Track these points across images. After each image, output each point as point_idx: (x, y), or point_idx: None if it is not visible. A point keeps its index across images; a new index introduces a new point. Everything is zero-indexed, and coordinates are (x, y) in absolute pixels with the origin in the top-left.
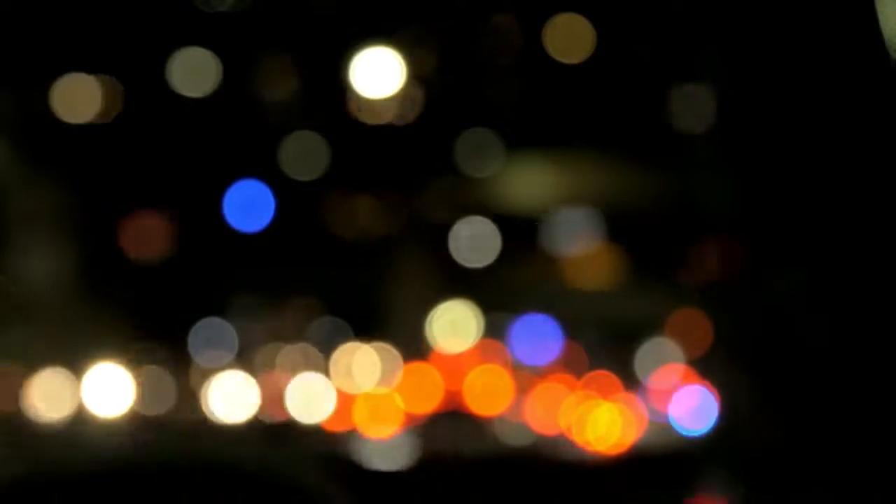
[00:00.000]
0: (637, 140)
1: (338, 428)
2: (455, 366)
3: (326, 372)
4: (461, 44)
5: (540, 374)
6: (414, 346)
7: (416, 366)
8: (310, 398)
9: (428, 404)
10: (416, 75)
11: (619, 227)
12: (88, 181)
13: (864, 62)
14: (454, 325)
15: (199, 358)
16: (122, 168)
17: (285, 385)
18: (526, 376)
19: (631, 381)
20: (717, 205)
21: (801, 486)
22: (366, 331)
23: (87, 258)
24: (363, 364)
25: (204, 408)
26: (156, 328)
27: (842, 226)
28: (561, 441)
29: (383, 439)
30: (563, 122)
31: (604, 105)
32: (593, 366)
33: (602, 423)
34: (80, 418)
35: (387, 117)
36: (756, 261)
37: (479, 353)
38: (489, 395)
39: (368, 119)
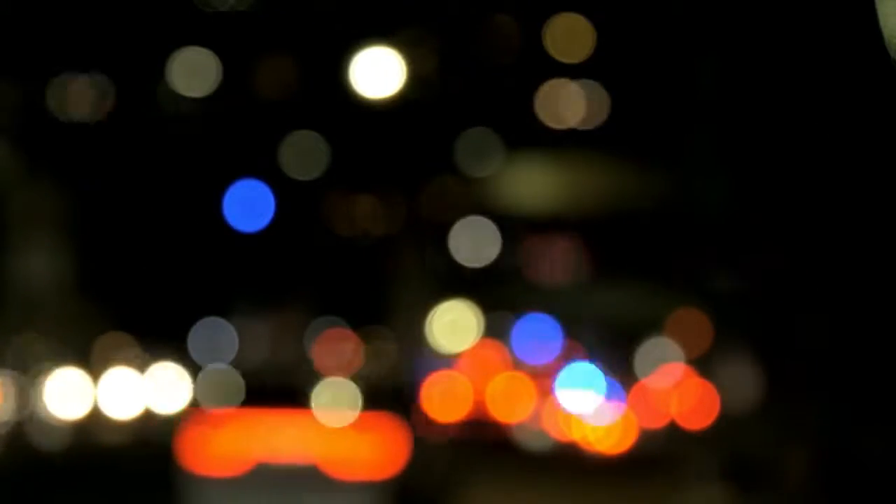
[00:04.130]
0: (636, 140)
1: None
2: (478, 372)
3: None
4: (461, 44)
5: (540, 373)
6: (415, 347)
7: (444, 374)
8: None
9: (456, 413)
10: (416, 75)
11: (619, 226)
12: (88, 181)
13: (864, 62)
14: (454, 324)
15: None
16: (122, 167)
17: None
18: (539, 380)
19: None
20: (716, 205)
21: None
22: (365, 330)
23: (86, 258)
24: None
25: None
26: (155, 327)
27: (841, 224)
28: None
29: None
30: (562, 122)
31: (603, 105)
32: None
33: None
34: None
35: (387, 117)
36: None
37: (498, 357)
38: (511, 403)
39: (368, 119)
